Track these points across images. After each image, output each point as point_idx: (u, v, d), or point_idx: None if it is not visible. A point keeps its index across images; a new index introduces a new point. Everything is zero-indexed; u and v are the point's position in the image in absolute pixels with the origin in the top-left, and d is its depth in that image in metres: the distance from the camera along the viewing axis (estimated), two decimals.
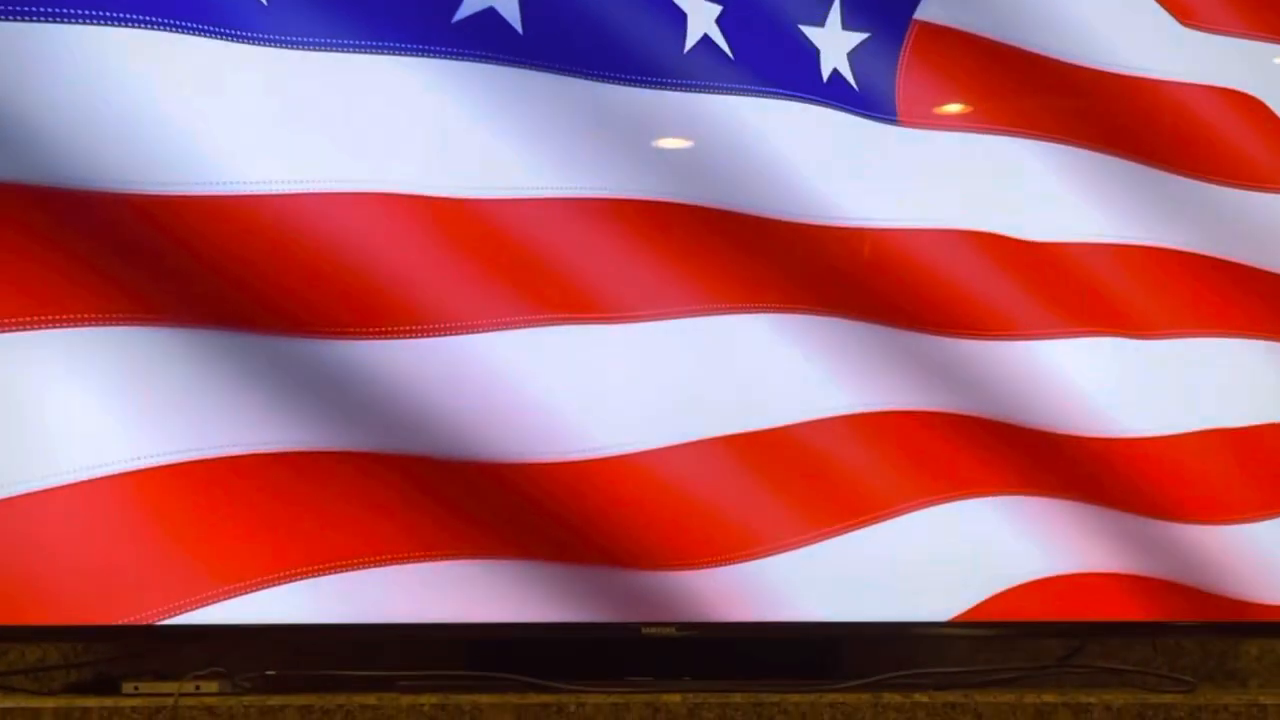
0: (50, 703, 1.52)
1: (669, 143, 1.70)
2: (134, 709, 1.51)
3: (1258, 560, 1.81)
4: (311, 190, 1.59)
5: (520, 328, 1.64)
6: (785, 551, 1.70)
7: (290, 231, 1.58)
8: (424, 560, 1.61)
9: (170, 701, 1.52)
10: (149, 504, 1.55)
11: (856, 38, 1.76)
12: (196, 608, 1.56)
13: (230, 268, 1.57)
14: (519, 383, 1.64)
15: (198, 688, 1.54)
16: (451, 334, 1.62)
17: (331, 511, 1.60)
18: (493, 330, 1.63)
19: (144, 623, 1.54)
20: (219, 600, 1.56)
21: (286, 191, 1.58)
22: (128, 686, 1.55)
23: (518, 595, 1.64)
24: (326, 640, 1.68)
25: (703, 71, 1.70)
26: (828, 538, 1.71)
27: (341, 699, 1.54)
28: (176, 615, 1.55)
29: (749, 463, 1.70)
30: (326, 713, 1.53)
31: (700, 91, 1.70)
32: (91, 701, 1.52)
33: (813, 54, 1.74)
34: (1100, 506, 1.79)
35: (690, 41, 1.70)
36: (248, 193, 1.57)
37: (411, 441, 1.61)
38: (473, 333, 1.63)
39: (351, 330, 1.60)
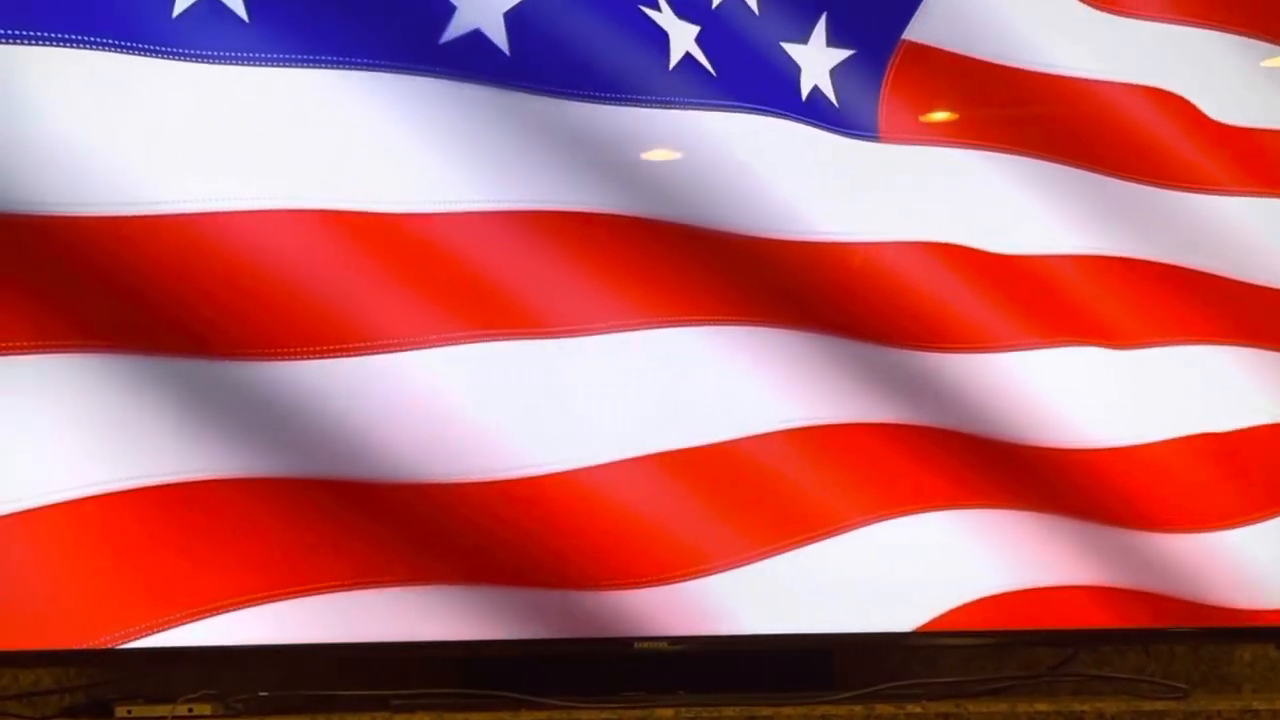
0: None
1: (631, 159, 1.69)
2: None
3: (1234, 567, 1.80)
4: (244, 209, 1.57)
5: (454, 344, 1.61)
6: (734, 568, 1.68)
7: (225, 251, 1.56)
8: (367, 588, 1.59)
9: None
10: (124, 529, 1.53)
11: (840, 55, 1.76)
12: (178, 625, 1.54)
13: (165, 290, 1.54)
14: (450, 400, 1.61)
15: (191, 710, 1.54)
16: (393, 351, 1.60)
17: (306, 536, 1.58)
18: (435, 347, 1.61)
19: (135, 646, 1.54)
20: (201, 618, 1.55)
21: (218, 210, 1.55)
22: (121, 710, 1.55)
23: (467, 618, 1.61)
24: (319, 660, 1.68)
25: (671, 88, 1.69)
26: (779, 553, 1.69)
27: (335, 719, 1.54)
28: (164, 632, 1.54)
29: (699, 478, 1.68)
30: None
31: (662, 107, 1.69)
32: None
33: (794, 71, 1.74)
34: (1070, 518, 1.78)
35: (673, 60, 1.70)
36: (177, 212, 1.54)
37: (337, 465, 1.58)
38: (419, 349, 1.60)
39: (293, 351, 1.57)
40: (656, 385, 1.68)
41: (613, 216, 1.67)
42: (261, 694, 1.60)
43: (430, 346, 1.61)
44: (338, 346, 1.58)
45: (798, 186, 1.73)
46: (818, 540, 1.70)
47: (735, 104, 1.72)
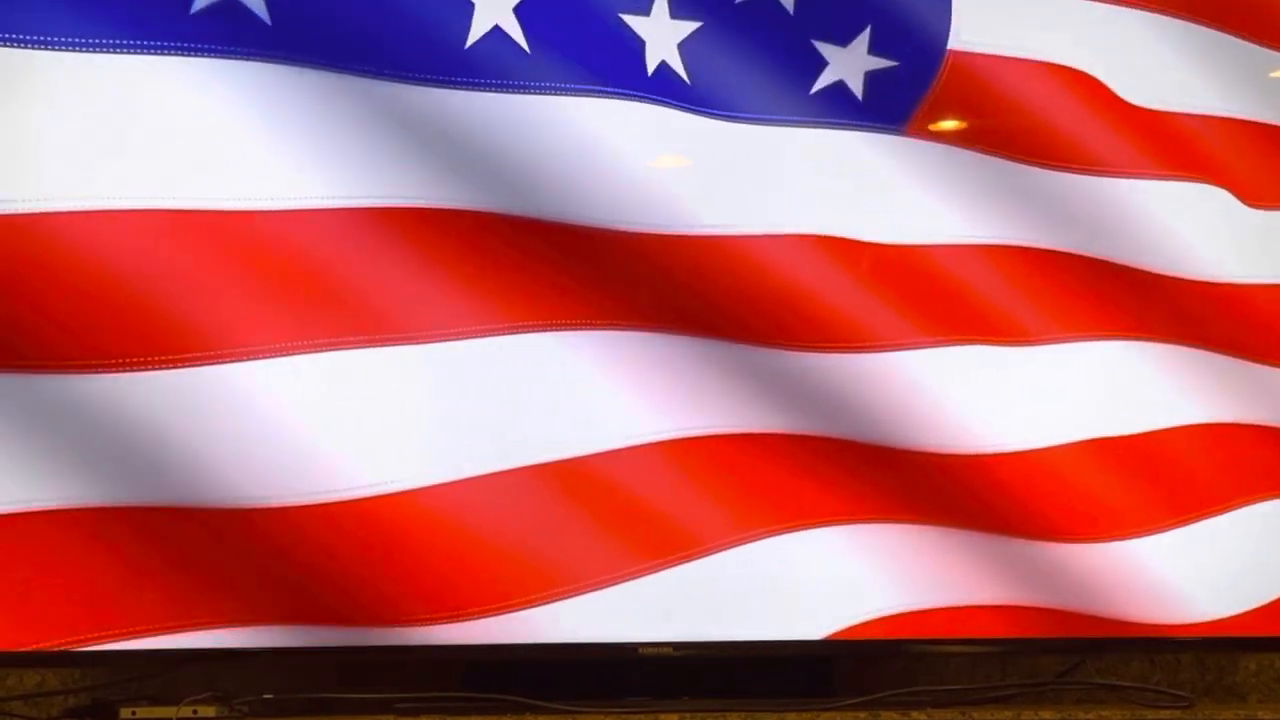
0: None
1: (483, 149, 1.58)
2: None
3: (1141, 578, 1.74)
4: (68, 209, 1.45)
5: (287, 354, 1.50)
6: (589, 591, 1.58)
7: (51, 254, 1.44)
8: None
9: None
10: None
11: (687, 27, 1.65)
12: (187, 630, 1.53)
13: None
14: (279, 414, 1.50)
15: (195, 712, 1.54)
16: (216, 362, 1.48)
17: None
18: (261, 357, 1.49)
19: (140, 647, 1.54)
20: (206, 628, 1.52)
21: (47, 210, 1.44)
22: (125, 712, 1.54)
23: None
24: (323, 663, 1.68)
25: (494, 68, 1.57)
26: (649, 574, 1.60)
27: None
28: (169, 635, 1.53)
29: (561, 495, 1.58)
30: None
31: (493, 90, 1.57)
32: None
33: (638, 45, 1.63)
34: (968, 530, 1.69)
35: (477, 34, 1.56)
36: (4, 212, 1.44)
37: (158, 491, 1.47)
38: (241, 360, 1.49)
39: (119, 362, 1.45)
40: (515, 394, 1.58)
41: (462, 212, 1.55)
42: (265, 696, 1.60)
43: (267, 356, 1.49)
44: (170, 356, 1.47)
45: (665, 175, 1.63)
46: (692, 559, 1.61)
47: (584, 87, 1.60)
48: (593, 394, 1.61)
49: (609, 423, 1.61)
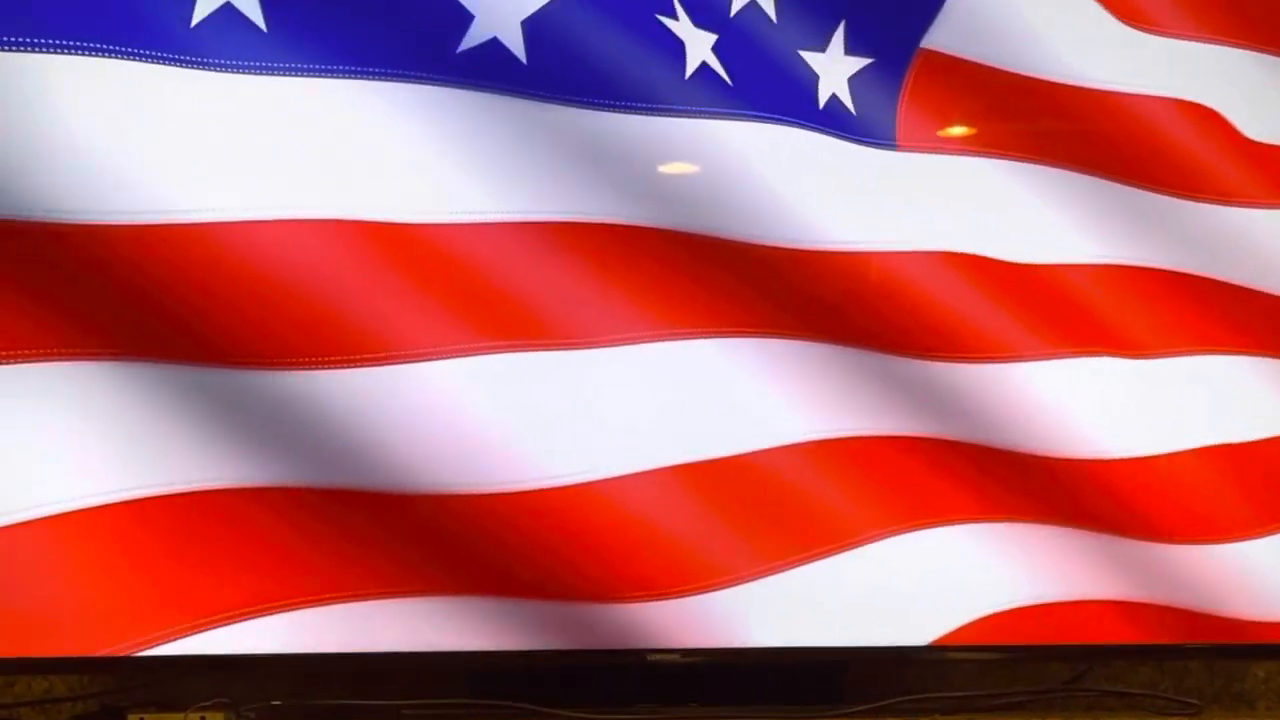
0: None
1: (649, 169, 1.68)
2: None
3: (1250, 579, 1.80)
4: (265, 218, 1.57)
5: (472, 355, 1.61)
6: (751, 581, 1.67)
7: (245, 261, 1.56)
8: (383, 598, 1.59)
9: None
10: (140, 537, 1.54)
11: (858, 63, 1.76)
12: (192, 634, 1.55)
13: (184, 298, 1.54)
14: (468, 411, 1.61)
15: (203, 718, 1.54)
16: (415, 361, 1.60)
17: (323, 545, 1.58)
18: (460, 357, 1.61)
19: (148, 654, 1.54)
20: (215, 627, 1.55)
21: (239, 219, 1.56)
22: (133, 717, 1.55)
23: (484, 629, 1.61)
24: (331, 670, 1.68)
25: (695, 98, 1.69)
26: (793, 566, 1.69)
27: None
28: (176, 641, 1.54)
29: (717, 490, 1.68)
30: None
31: (685, 116, 1.69)
32: None
33: (812, 79, 1.74)
34: (1087, 530, 1.77)
35: (690, 68, 1.70)
36: (199, 221, 1.54)
37: (353, 475, 1.59)
38: (439, 359, 1.60)
39: (318, 360, 1.57)
40: (675, 396, 1.67)
41: (631, 227, 1.67)
42: (274, 703, 1.60)
43: (449, 357, 1.61)
44: (356, 356, 1.58)
45: (817, 196, 1.73)
46: (835, 553, 1.70)
47: (752, 113, 1.71)
48: (748, 396, 1.70)
49: (764, 423, 1.70)
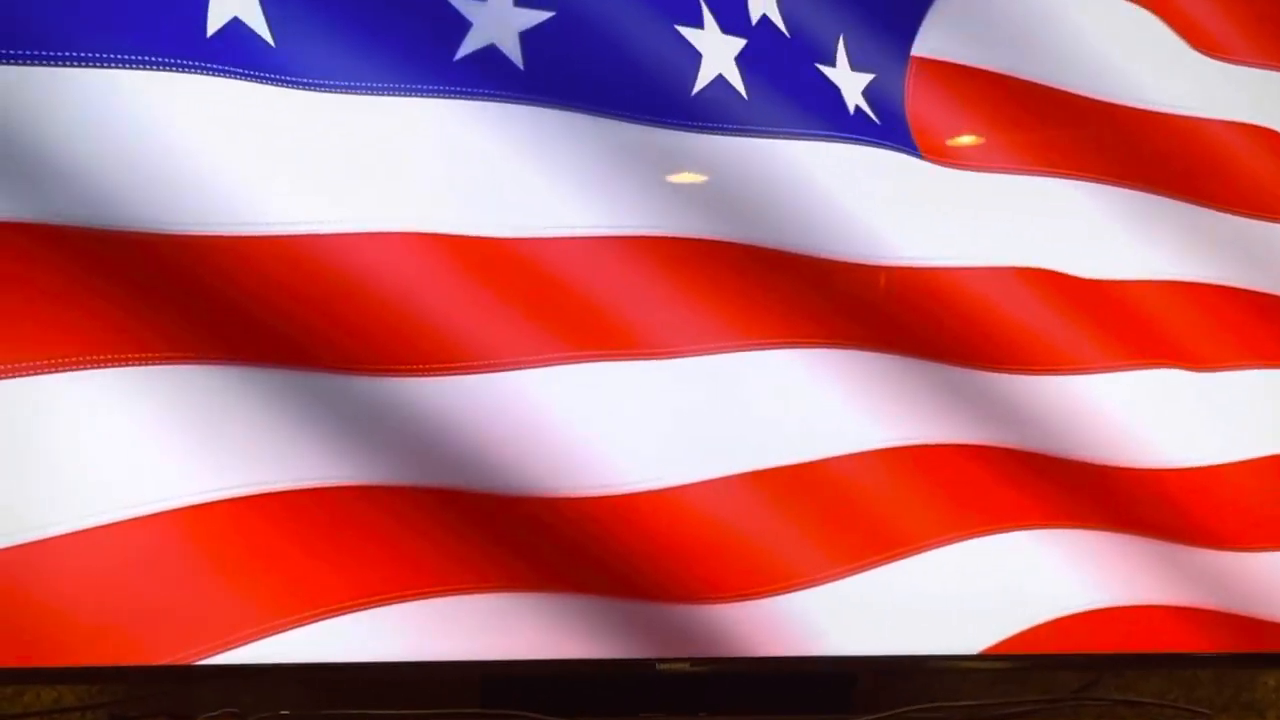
0: None
1: (705, 181, 1.71)
2: None
3: None
4: (359, 230, 1.60)
5: (557, 364, 1.65)
6: (813, 586, 1.70)
7: (340, 270, 1.59)
8: (450, 594, 1.61)
9: None
10: (167, 544, 1.55)
11: (865, 78, 1.78)
12: (218, 651, 1.54)
13: (278, 305, 1.57)
14: (553, 418, 1.64)
15: None
16: (494, 370, 1.63)
17: (353, 547, 1.60)
18: (533, 367, 1.64)
19: (159, 664, 1.54)
20: (237, 644, 1.55)
21: (334, 231, 1.59)
22: None
23: (541, 629, 1.64)
24: (341, 679, 1.68)
25: (723, 112, 1.72)
26: (858, 572, 1.71)
27: None
28: (197, 657, 1.54)
29: (779, 497, 1.70)
30: None
31: (727, 134, 1.72)
32: None
33: (836, 91, 1.77)
34: (1152, 538, 1.81)
35: (704, 80, 1.71)
36: (295, 233, 1.57)
37: (446, 475, 1.61)
38: (515, 369, 1.64)
39: (394, 367, 1.60)
40: (751, 405, 1.70)
41: (711, 241, 1.70)
42: (283, 713, 1.60)
43: (535, 366, 1.64)
44: (449, 364, 1.61)
45: (885, 211, 1.76)
46: (902, 558, 1.73)
47: (807, 131, 1.74)
48: (823, 405, 1.73)
49: (838, 431, 1.73)
